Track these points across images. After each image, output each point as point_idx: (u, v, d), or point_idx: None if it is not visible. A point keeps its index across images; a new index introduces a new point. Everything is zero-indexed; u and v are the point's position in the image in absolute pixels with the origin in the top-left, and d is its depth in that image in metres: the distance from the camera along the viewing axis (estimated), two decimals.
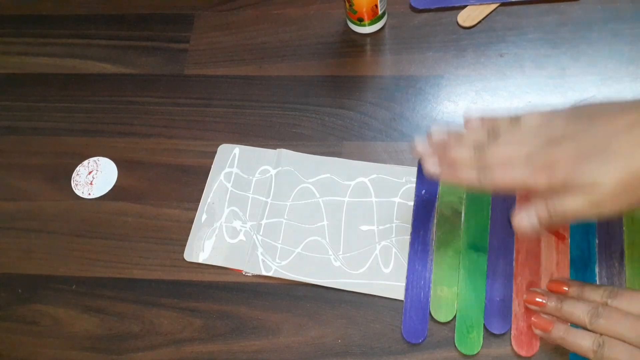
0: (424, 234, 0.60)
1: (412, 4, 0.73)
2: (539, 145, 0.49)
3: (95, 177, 0.67)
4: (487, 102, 0.67)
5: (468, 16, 0.72)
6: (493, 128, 0.51)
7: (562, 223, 0.53)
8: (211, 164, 0.67)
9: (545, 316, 0.54)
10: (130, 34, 0.77)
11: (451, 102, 0.67)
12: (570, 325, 0.53)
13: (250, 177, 0.65)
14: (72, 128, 0.71)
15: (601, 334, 0.50)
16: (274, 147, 0.67)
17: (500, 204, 0.60)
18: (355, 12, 0.70)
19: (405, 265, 0.59)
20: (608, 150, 0.47)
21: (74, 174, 0.68)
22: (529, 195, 0.51)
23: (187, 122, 0.70)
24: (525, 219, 0.50)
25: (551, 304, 0.54)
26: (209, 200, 0.64)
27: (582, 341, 0.51)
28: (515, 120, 0.52)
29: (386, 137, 0.66)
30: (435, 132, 0.54)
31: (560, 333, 0.52)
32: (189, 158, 0.67)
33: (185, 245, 0.62)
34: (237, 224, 0.63)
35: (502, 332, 0.55)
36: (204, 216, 0.64)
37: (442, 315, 0.57)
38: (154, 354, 0.58)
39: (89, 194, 0.66)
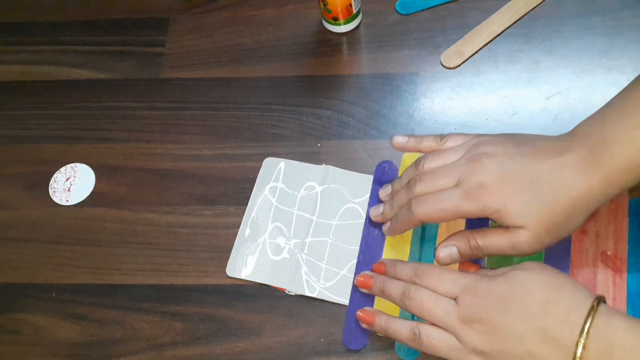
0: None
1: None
2: (463, 162, 0.52)
3: (72, 184, 0.67)
4: (463, 97, 0.67)
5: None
6: (418, 159, 0.56)
7: (482, 257, 0.54)
8: (188, 167, 0.66)
9: (369, 309, 0.55)
10: (104, 39, 0.76)
11: (427, 99, 0.68)
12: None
13: (296, 193, 0.63)
14: (48, 135, 0.70)
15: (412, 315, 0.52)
16: (252, 148, 0.67)
17: None
18: (329, 11, 0.70)
19: None
20: (536, 188, 0.49)
21: (51, 181, 0.67)
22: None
23: (164, 126, 0.69)
24: (446, 252, 0.53)
25: (376, 285, 0.54)
26: (252, 214, 0.62)
27: (401, 329, 0.51)
28: (440, 139, 0.56)
29: (364, 136, 0.66)
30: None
31: (382, 323, 0.53)
32: (166, 162, 0.67)
33: (163, 249, 0.62)
34: (280, 240, 0.61)
35: None
36: (248, 230, 0.62)
37: None
38: (135, 359, 0.57)
39: (67, 200, 0.66)
